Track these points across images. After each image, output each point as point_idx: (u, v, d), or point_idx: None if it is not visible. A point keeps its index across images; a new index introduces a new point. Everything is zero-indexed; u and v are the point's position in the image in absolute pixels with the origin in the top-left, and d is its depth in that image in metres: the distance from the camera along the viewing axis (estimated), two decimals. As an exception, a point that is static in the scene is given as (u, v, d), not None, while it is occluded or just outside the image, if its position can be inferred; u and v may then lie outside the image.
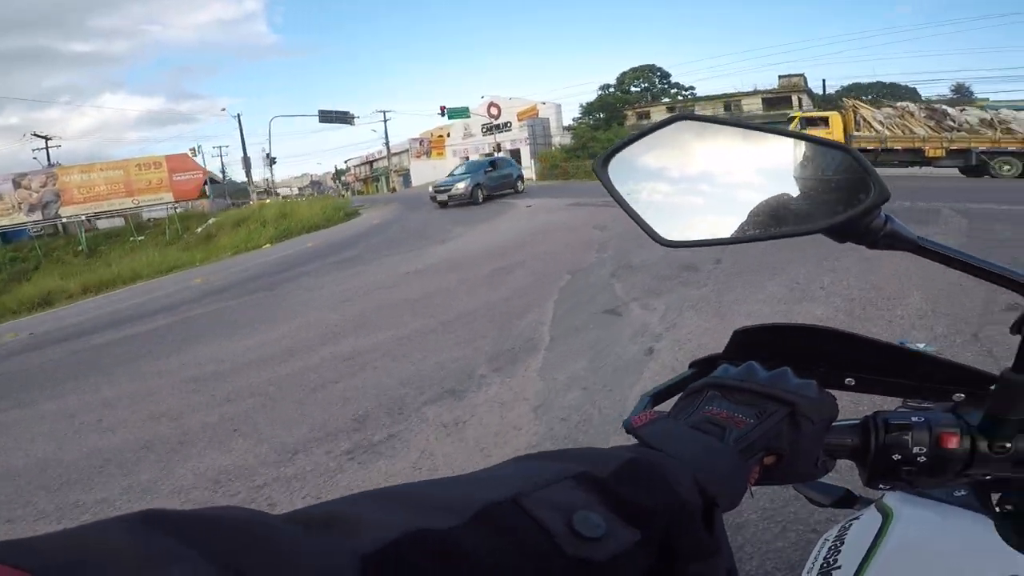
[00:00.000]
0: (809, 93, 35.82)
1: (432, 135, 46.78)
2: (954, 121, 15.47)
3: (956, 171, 15.90)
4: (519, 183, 18.29)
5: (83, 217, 23.59)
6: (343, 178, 63.60)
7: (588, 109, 43.88)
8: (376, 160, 53.75)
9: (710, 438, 0.36)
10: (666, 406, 0.44)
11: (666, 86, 45.38)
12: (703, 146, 0.43)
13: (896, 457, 0.42)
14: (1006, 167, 14.87)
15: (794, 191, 0.41)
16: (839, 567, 0.54)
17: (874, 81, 38.23)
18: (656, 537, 0.27)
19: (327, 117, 32.25)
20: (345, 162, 62.90)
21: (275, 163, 30.19)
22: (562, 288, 5.26)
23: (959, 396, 0.46)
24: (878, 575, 0.51)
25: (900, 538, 0.54)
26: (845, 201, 0.38)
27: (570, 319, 4.36)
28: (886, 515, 0.57)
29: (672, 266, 5.33)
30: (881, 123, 15.35)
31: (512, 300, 5.13)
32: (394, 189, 46.30)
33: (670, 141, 0.43)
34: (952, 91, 35.10)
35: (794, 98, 34.61)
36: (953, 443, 0.41)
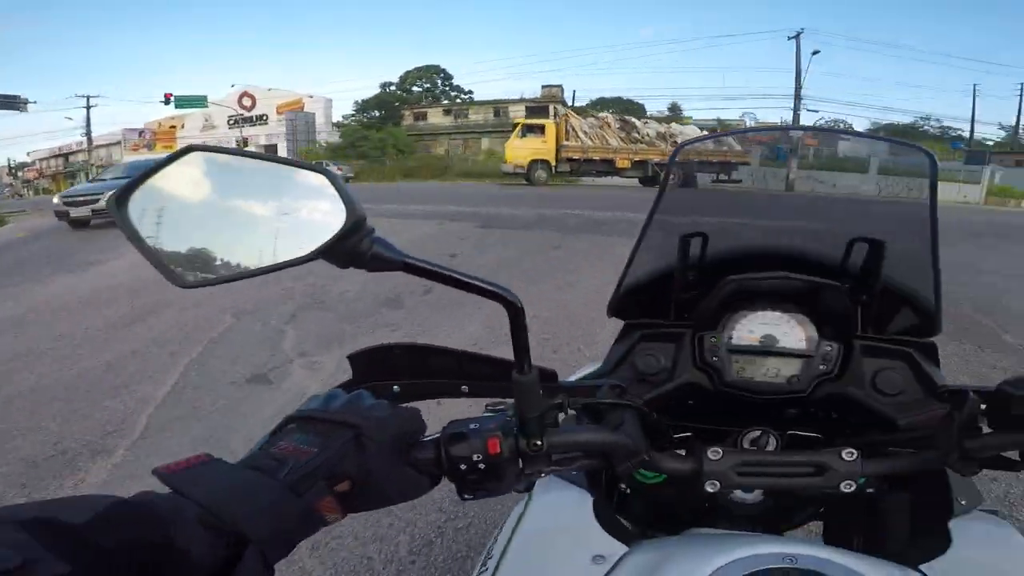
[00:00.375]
0: (564, 103, 38.91)
1: (160, 125, 38.94)
2: (639, 133, 17.51)
3: (636, 181, 17.75)
4: None
5: None
6: (22, 173, 49.96)
7: (363, 107, 41.33)
8: (74, 152, 42.62)
9: (258, 475, 0.36)
10: None
11: (448, 88, 45.19)
12: (221, 178, 0.42)
13: (463, 467, 0.44)
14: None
15: (291, 218, 0.41)
16: (492, 556, 0.56)
17: (615, 96, 43.92)
18: (131, 574, 0.28)
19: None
20: (27, 154, 48.85)
21: None
22: (212, 339, 3.85)
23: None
24: (512, 560, 0.54)
25: (530, 521, 0.58)
26: (325, 226, 0.38)
27: (196, 392, 3.04)
28: (528, 499, 0.62)
29: (371, 301, 4.44)
30: (586, 133, 16.63)
31: (123, 362, 3.54)
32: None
33: (188, 174, 0.42)
34: (668, 109, 42.23)
35: (551, 107, 37.34)
36: (496, 447, 0.44)
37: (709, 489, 0.50)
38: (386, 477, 0.41)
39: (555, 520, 0.58)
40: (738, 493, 0.61)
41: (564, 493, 0.59)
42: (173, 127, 38.59)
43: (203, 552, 0.30)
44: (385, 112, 41.50)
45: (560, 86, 41.14)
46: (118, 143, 40.69)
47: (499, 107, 39.48)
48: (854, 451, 0.49)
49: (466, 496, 0.46)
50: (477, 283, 0.42)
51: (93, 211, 10.41)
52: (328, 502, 0.38)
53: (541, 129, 16.76)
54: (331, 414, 0.42)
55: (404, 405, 0.47)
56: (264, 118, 35.97)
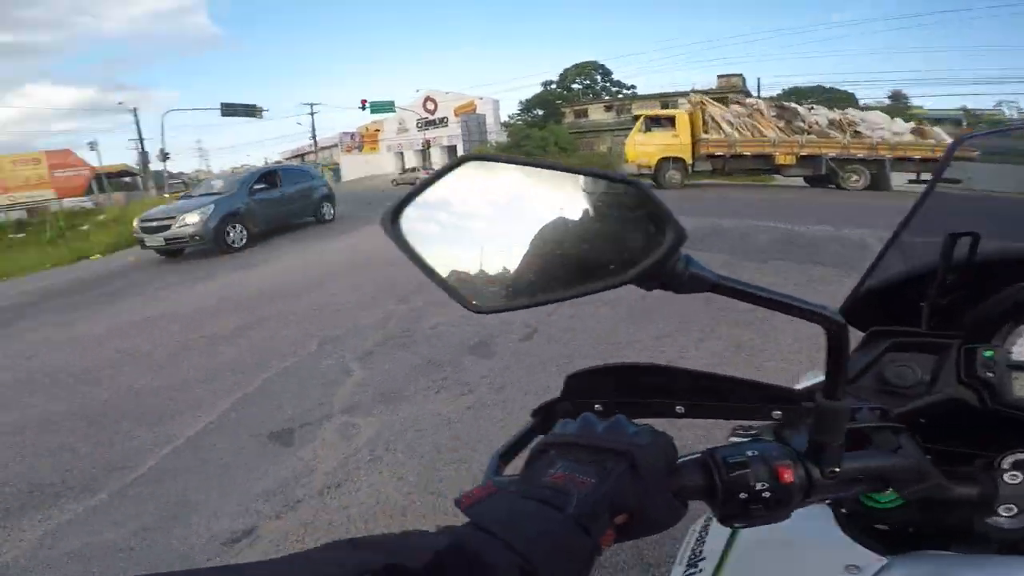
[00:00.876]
0: (746, 93, 35.17)
1: (367, 129, 45.49)
2: (804, 121, 13.91)
3: (801, 180, 14.48)
4: (325, 207, 11.60)
5: None
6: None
7: (527, 106, 42.92)
8: (307, 153, 52.04)
9: (549, 510, 0.35)
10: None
11: (608, 84, 44.50)
12: (499, 190, 0.39)
13: (743, 496, 0.42)
14: (854, 177, 13.27)
15: (595, 237, 0.37)
16: (704, 558, 0.55)
17: (814, 84, 37.60)
18: None
19: (231, 111, 30.49)
20: (279, 154, 61.07)
21: (168, 158, 28.46)
22: (279, 371, 3.62)
23: (777, 414, 0.49)
24: (736, 565, 0.53)
25: (753, 530, 0.52)
26: (644, 245, 0.35)
27: (215, 440, 2.83)
28: None
29: (458, 343, 3.71)
30: (731, 123, 13.83)
31: (189, 386, 3.54)
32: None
33: (465, 186, 0.38)
34: (889, 97, 34.19)
35: (730, 99, 33.76)
36: (789, 476, 0.42)
37: (1004, 515, 0.48)
38: (657, 506, 0.39)
39: (790, 528, 0.51)
40: (1004, 518, 0.53)
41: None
42: (377, 130, 45.11)
43: None
44: (547, 110, 42.46)
45: (741, 75, 37.15)
46: (335, 145, 48.90)
47: (666, 100, 36.67)
48: None
49: (736, 524, 0.43)
50: (795, 303, 0.38)
51: (166, 240, 8.72)
52: (608, 537, 0.37)
53: (670, 121, 13.97)
54: (599, 440, 0.40)
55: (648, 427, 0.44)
56: (444, 120, 39.68)
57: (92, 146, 29.98)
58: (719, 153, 13.68)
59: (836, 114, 14.37)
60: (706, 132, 13.68)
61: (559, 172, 0.37)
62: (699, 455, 0.43)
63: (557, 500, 0.36)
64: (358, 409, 2.98)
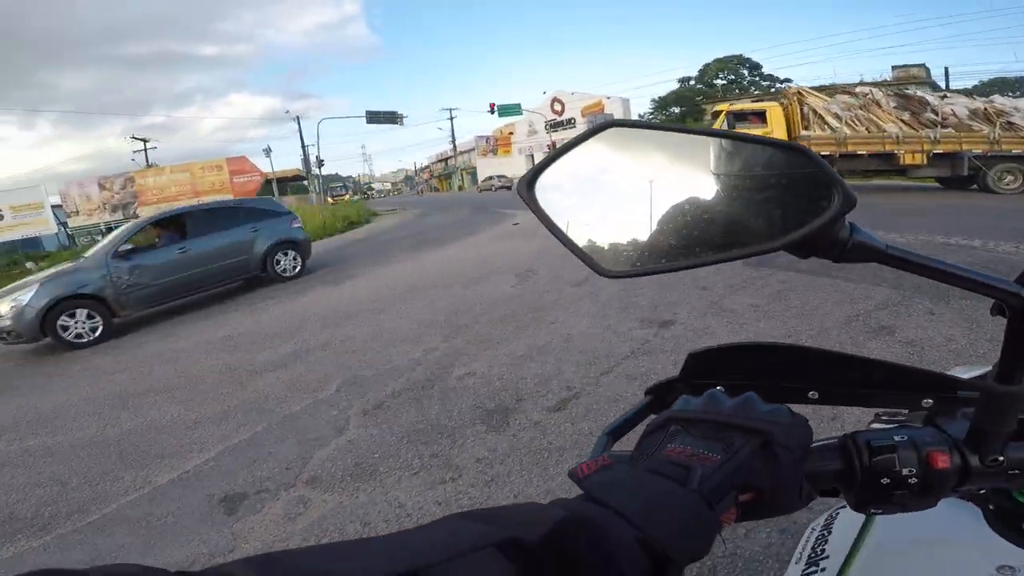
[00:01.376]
0: (933, 86, 28.62)
1: (500, 132, 47.06)
2: (936, 113, 10.65)
3: (934, 182, 11.21)
4: (283, 257, 8.16)
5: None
6: (415, 176, 65.92)
7: (661, 104, 40.24)
8: (449, 157, 55.49)
9: (670, 483, 0.34)
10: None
11: (757, 78, 39.74)
12: (640, 157, 0.38)
13: (885, 481, 0.39)
14: (1007, 177, 10.17)
15: (746, 202, 0.36)
16: (827, 557, 0.53)
17: (1016, 75, 28.70)
18: None
19: (375, 118, 33.46)
20: (427, 159, 66.28)
21: (323, 165, 32.36)
22: (280, 420, 3.33)
23: (927, 402, 0.44)
24: (866, 565, 0.50)
25: (886, 528, 0.53)
26: (805, 210, 0.34)
27: (173, 493, 2.69)
28: None
29: (473, 407, 3.03)
30: (838, 117, 10.95)
31: (202, 426, 3.40)
32: (461, 187, 47.58)
33: (603, 153, 0.38)
34: None
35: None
36: (944, 462, 0.39)
37: None
38: (790, 488, 0.37)
39: (930, 527, 0.50)
40: None
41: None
42: (510, 133, 46.60)
43: (635, 573, 0.29)
44: (684, 108, 39.38)
45: (924, 65, 29.98)
46: (473, 149, 51.74)
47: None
48: None
49: (873, 510, 0.41)
50: (972, 276, 0.36)
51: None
52: (731, 514, 0.35)
53: (760, 117, 11.57)
54: (730, 417, 0.38)
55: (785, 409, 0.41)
56: (572, 121, 39.31)
57: (267, 152, 35.49)
58: (825, 153, 10.85)
59: (979, 103, 10.82)
60: (806, 128, 11.13)
61: (708, 137, 0.36)
62: (836, 439, 0.41)
63: (679, 475, 0.34)
64: (321, 482, 2.58)
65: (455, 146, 47.66)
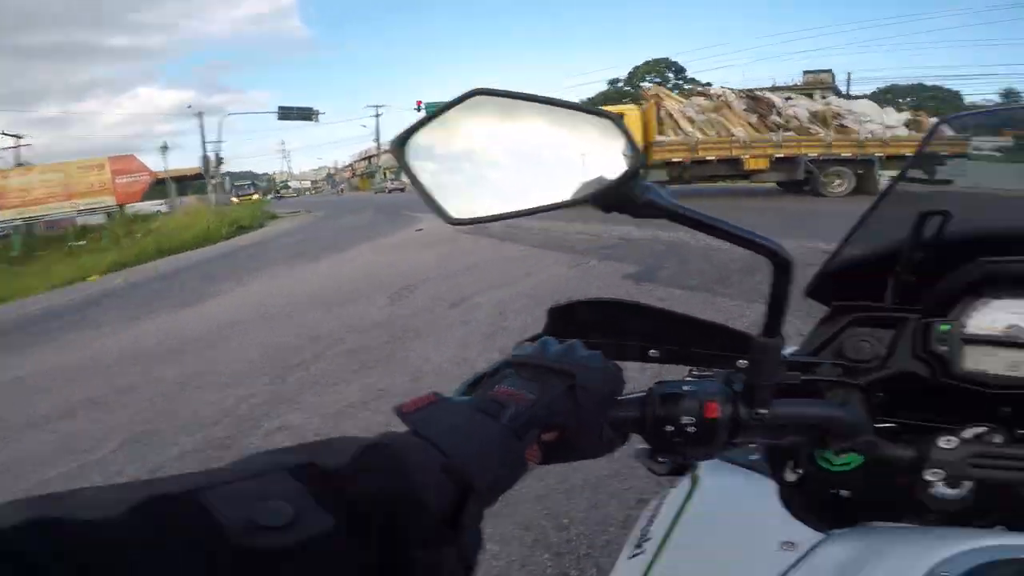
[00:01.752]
0: (836, 91, 29.20)
1: None
2: (780, 115, 10.65)
3: (775, 185, 11.08)
4: None
5: (17, 221, 22.25)
6: (334, 174, 63.59)
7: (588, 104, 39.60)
8: (372, 156, 53.50)
9: (485, 418, 0.36)
10: None
11: (681, 81, 39.93)
12: (500, 122, 0.43)
13: (669, 428, 0.43)
14: (836, 181, 10.32)
15: (567, 162, 0.41)
16: (649, 539, 0.55)
17: (914, 83, 29.68)
18: (375, 524, 0.28)
19: (287, 114, 31.36)
20: (350, 157, 63.78)
21: (222, 162, 30.09)
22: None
23: (743, 363, 0.47)
24: (677, 544, 0.53)
25: (699, 505, 0.56)
26: (607, 169, 0.39)
27: None
28: (694, 483, 0.59)
29: None
30: (691, 121, 10.75)
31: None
32: (386, 189, 46.27)
33: (471, 117, 0.42)
34: (1002, 94, 25.99)
35: (817, 95, 27.87)
36: (714, 411, 0.42)
37: (930, 478, 0.48)
38: (591, 430, 0.41)
39: (733, 504, 0.55)
40: (940, 488, 0.52)
41: (739, 478, 0.56)
42: None
43: (439, 500, 0.30)
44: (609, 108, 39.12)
45: (830, 71, 30.60)
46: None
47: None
48: None
49: (660, 459, 0.45)
50: (747, 235, 0.40)
51: None
52: (533, 450, 0.38)
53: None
54: (548, 361, 0.42)
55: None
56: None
57: (163, 149, 32.70)
58: (677, 159, 10.64)
59: (818, 104, 10.99)
60: (661, 133, 10.75)
61: (551, 106, 0.40)
62: (643, 393, 0.45)
63: (493, 410, 0.37)
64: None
65: (379, 144, 45.71)
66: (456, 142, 0.43)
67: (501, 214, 0.42)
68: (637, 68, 41.24)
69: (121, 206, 24.24)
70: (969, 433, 0.51)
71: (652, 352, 0.52)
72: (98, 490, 0.24)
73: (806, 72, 32.25)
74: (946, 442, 0.47)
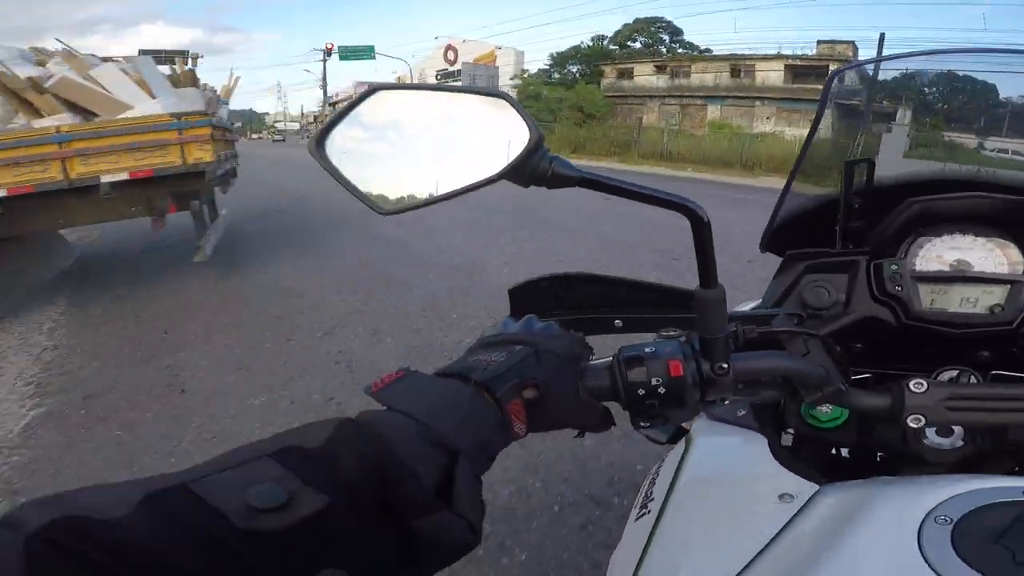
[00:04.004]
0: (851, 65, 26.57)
1: (400, 80, 39.44)
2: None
3: None
4: None
5: None
6: (305, 122, 58.99)
7: (560, 59, 35.22)
8: (336, 102, 46.77)
9: (454, 382, 0.37)
10: None
11: (676, 45, 36.09)
12: (409, 112, 0.45)
13: (641, 392, 0.43)
14: None
15: (478, 143, 0.42)
16: (653, 499, 0.55)
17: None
18: (365, 499, 0.28)
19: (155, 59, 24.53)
20: (317, 104, 56.84)
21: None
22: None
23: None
24: (678, 503, 0.53)
25: (696, 464, 0.56)
26: (511, 145, 0.39)
27: None
28: (688, 443, 0.60)
29: None
30: None
31: None
32: None
33: (378, 112, 0.44)
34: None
35: (836, 67, 25.27)
36: (678, 369, 0.42)
37: (912, 425, 0.46)
38: (565, 395, 0.42)
39: (727, 462, 0.55)
40: (933, 438, 0.52)
41: (732, 436, 0.57)
42: (400, 79, 39.49)
43: (427, 468, 0.31)
44: (582, 66, 34.72)
45: (851, 42, 27.79)
46: (351, 97, 43.50)
47: (740, 65, 28.45)
48: None
49: (643, 424, 0.44)
50: (659, 195, 0.41)
51: None
52: (516, 406, 0.39)
53: None
54: (508, 336, 0.44)
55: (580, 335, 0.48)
56: (460, 73, 33.08)
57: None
58: None
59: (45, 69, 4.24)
60: None
61: (448, 93, 0.44)
62: (609, 357, 0.45)
63: (464, 373, 0.38)
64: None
65: (325, 92, 38.98)
66: (371, 137, 0.45)
67: (427, 200, 0.43)
68: (625, 26, 36.86)
69: None
70: (944, 377, 0.55)
71: (617, 322, 0.56)
72: (95, 490, 0.24)
73: (821, 42, 29.64)
74: (917, 386, 0.46)
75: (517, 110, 0.39)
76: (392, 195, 0.44)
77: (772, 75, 27.34)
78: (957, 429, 0.51)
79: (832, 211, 0.62)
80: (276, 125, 69.16)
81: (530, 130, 0.38)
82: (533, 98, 26.90)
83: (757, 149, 17.04)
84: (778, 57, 27.66)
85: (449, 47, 35.04)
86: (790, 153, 13.36)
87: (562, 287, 0.57)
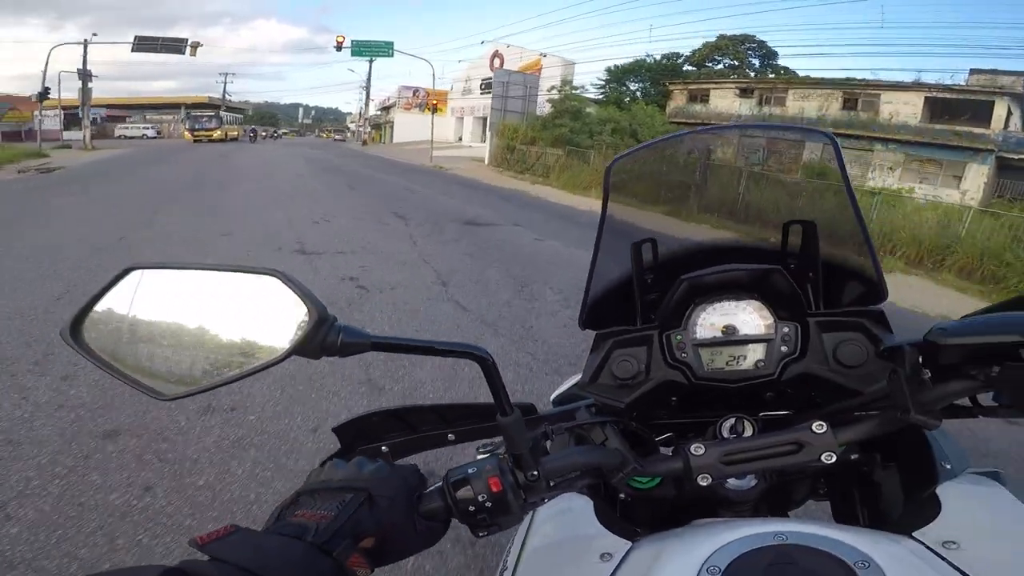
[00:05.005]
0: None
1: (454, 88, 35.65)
2: None
3: None
4: None
5: None
6: (351, 124, 58.11)
7: (616, 74, 28.87)
8: (390, 106, 43.52)
9: (288, 540, 0.37)
10: None
11: (766, 68, 29.17)
12: (173, 290, 0.43)
13: (471, 508, 0.46)
14: None
15: (259, 322, 0.41)
16: (507, 569, 0.58)
17: None
18: None
19: (147, 45, 22.52)
20: (348, 104, 54.72)
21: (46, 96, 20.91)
22: None
23: None
24: (526, 567, 0.56)
25: (534, 535, 0.61)
26: (293, 323, 0.39)
27: None
28: (533, 513, 0.63)
29: None
30: None
31: None
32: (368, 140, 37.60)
33: (138, 292, 0.42)
34: None
35: (997, 105, 17.57)
36: (498, 485, 0.45)
37: (702, 483, 0.52)
38: (402, 530, 0.43)
39: (562, 528, 0.60)
40: (732, 482, 0.60)
41: (567, 503, 0.61)
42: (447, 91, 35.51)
43: None
44: (643, 83, 28.52)
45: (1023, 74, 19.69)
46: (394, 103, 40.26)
47: (857, 93, 21.31)
48: (823, 423, 0.51)
49: (480, 534, 0.48)
50: (447, 348, 0.44)
51: None
52: (356, 559, 0.40)
53: None
54: (337, 483, 0.44)
55: (399, 462, 0.51)
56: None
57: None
58: None
59: None
60: None
61: (215, 272, 0.42)
62: (440, 482, 0.47)
63: (296, 532, 0.38)
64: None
65: (368, 94, 35.45)
66: (137, 321, 0.42)
67: (212, 384, 0.41)
68: (706, 44, 30.36)
69: None
70: (727, 423, 0.62)
71: (450, 436, 0.58)
72: None
73: (974, 71, 21.74)
74: (697, 449, 0.52)
75: (292, 287, 0.39)
76: (171, 380, 0.41)
77: (904, 109, 19.93)
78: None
79: (630, 287, 0.71)
80: (350, 125, 70.07)
81: (308, 307, 0.38)
82: (571, 116, 21.01)
83: (881, 217, 10.15)
84: (915, 87, 20.01)
85: (496, 54, 30.22)
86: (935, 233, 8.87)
87: (390, 418, 0.59)
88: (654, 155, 0.91)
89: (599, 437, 0.53)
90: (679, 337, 0.64)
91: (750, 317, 0.64)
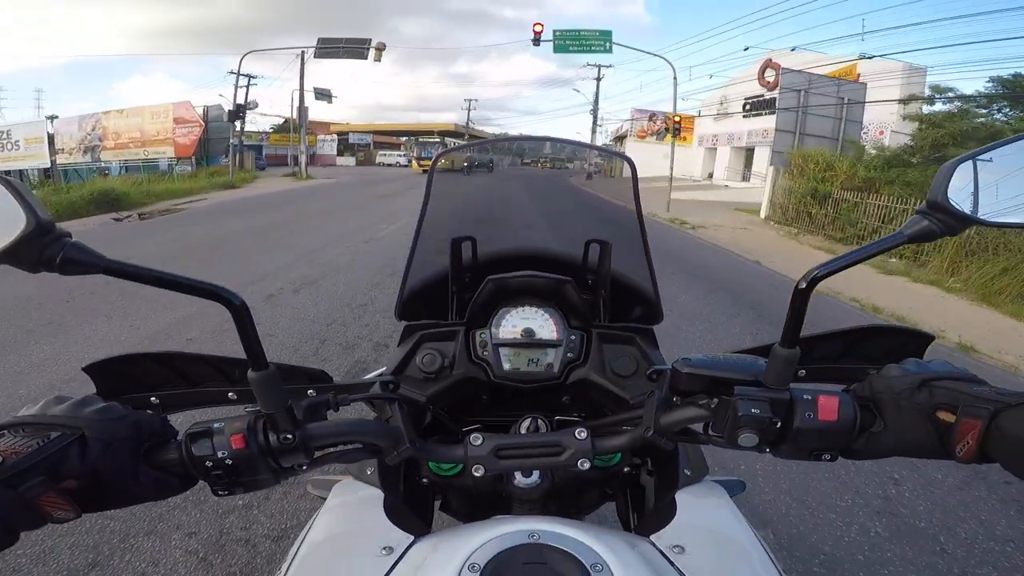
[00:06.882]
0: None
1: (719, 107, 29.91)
2: None
3: None
4: None
5: (114, 163, 21.23)
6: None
7: (1011, 84, 18.03)
8: (623, 135, 39.91)
9: None
10: None
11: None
12: None
13: (208, 464, 0.45)
14: None
15: None
16: (287, 561, 0.57)
17: None
18: None
19: (329, 49, 22.79)
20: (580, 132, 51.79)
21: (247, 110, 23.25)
22: None
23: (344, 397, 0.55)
24: (303, 561, 0.55)
25: (317, 528, 0.59)
26: (8, 231, 0.37)
27: None
28: (323, 504, 0.64)
29: None
30: None
31: None
32: (592, 174, 33.80)
33: None
34: None
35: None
36: (241, 442, 0.45)
37: (476, 474, 0.54)
38: (121, 478, 0.42)
39: (347, 521, 0.60)
40: (520, 478, 0.63)
41: (357, 495, 0.61)
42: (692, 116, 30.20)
43: None
44: None
45: None
46: (625, 132, 36.68)
47: None
48: (585, 431, 0.54)
49: (220, 493, 0.47)
50: (191, 283, 0.41)
51: None
52: (52, 499, 0.39)
53: None
54: (48, 418, 0.42)
55: (158, 414, 0.49)
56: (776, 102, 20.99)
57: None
58: None
59: None
60: None
61: None
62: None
63: None
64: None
65: (596, 116, 32.02)
66: None
67: None
68: None
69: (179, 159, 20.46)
70: (525, 423, 0.65)
71: (231, 395, 0.58)
72: None
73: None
74: (475, 439, 0.54)
75: (15, 194, 0.37)
76: None
77: None
78: (535, 471, 0.62)
79: (446, 283, 0.75)
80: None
81: (27, 215, 0.37)
82: (955, 143, 11.50)
83: None
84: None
85: (767, 63, 23.27)
86: None
87: (163, 366, 0.57)
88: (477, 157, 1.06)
89: (385, 415, 0.55)
90: (483, 336, 0.70)
91: (547, 323, 0.71)
